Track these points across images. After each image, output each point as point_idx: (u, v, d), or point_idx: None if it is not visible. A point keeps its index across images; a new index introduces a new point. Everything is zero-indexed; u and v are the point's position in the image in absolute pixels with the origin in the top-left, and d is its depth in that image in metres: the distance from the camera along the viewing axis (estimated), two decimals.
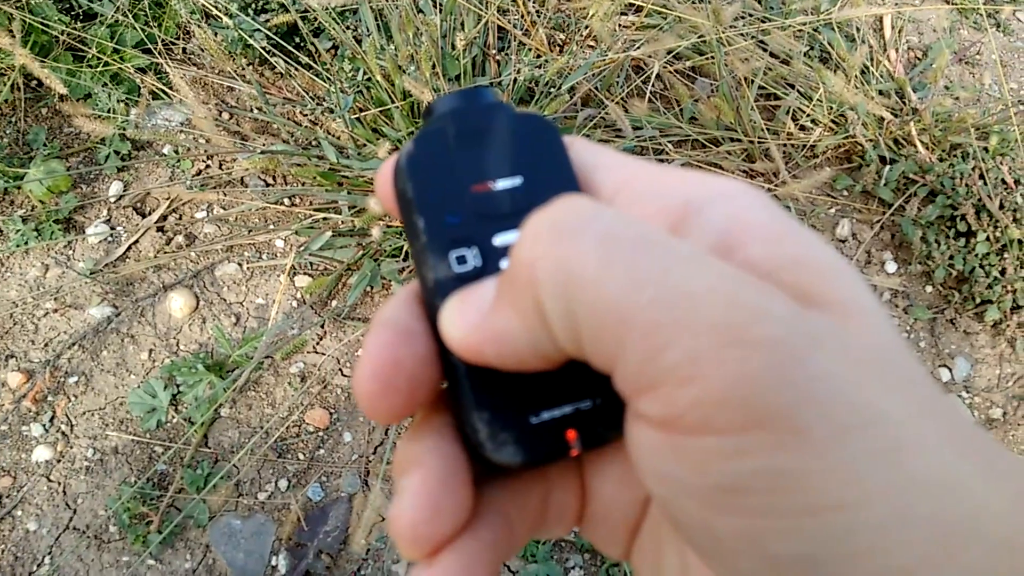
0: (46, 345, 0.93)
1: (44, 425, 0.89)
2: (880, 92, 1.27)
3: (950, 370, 1.08)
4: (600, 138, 1.10)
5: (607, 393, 0.17)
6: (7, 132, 1.05)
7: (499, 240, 0.19)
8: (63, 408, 0.90)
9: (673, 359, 0.14)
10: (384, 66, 1.02)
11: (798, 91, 1.24)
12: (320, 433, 0.92)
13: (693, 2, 1.20)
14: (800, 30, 1.33)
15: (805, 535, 0.14)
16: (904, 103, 1.26)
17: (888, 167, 1.19)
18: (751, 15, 1.27)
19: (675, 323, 0.14)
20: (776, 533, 0.14)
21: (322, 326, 0.99)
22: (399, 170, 0.19)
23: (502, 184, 0.19)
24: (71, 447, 0.88)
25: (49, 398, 0.90)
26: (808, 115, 1.22)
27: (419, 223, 0.19)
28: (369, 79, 1.06)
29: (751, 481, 0.14)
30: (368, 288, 1.01)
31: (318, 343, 0.98)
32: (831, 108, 1.21)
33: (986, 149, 1.16)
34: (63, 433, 0.89)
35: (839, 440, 0.14)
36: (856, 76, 1.26)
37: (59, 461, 0.87)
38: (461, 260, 0.18)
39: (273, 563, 0.84)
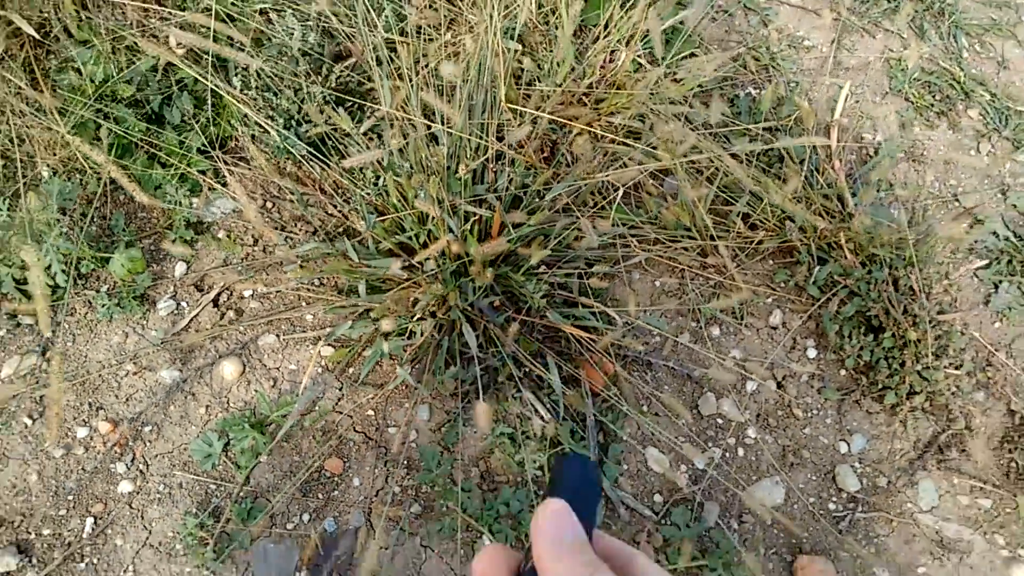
0: (127, 400, 1.21)
1: (127, 464, 1.16)
2: (824, 196, 1.49)
3: (848, 444, 1.32)
4: (573, 238, 1.33)
5: None
6: (95, 220, 1.31)
7: None
8: (141, 451, 1.17)
9: None
10: (400, 182, 1.26)
11: (750, 193, 1.46)
12: (335, 478, 1.19)
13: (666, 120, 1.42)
14: (756, 135, 1.55)
15: None
16: (842, 207, 1.47)
17: (818, 267, 1.41)
18: (715, 134, 1.49)
19: None
20: None
21: (340, 389, 1.26)
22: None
23: None
24: (147, 482, 1.16)
25: (130, 443, 1.18)
26: (756, 217, 1.44)
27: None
28: (386, 185, 1.30)
29: None
30: (378, 361, 1.27)
31: (336, 403, 1.24)
32: (775, 212, 1.43)
33: (902, 258, 1.38)
34: (140, 471, 1.16)
35: None
36: (803, 180, 1.48)
37: (138, 492, 1.15)
38: None
39: None
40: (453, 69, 1.02)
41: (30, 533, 1.10)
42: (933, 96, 1.76)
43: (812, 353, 1.39)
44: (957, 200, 1.62)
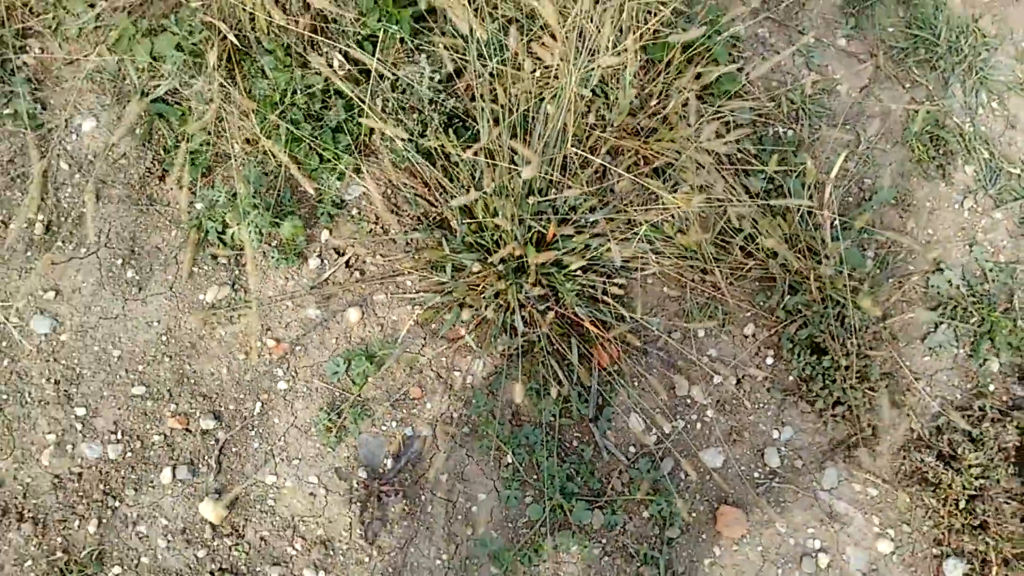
0: (286, 326, 1.79)
1: (283, 370, 1.77)
2: (811, 236, 1.89)
3: (779, 432, 1.82)
4: (605, 250, 1.80)
5: None
6: (272, 195, 1.85)
7: None
8: (293, 363, 1.77)
9: None
10: (485, 198, 1.74)
11: (751, 223, 1.87)
12: (415, 400, 1.77)
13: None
14: (772, 175, 1.94)
15: None
16: (823, 247, 1.88)
17: (789, 296, 1.85)
18: (736, 168, 1.88)
19: None
20: None
21: (424, 339, 1.81)
22: None
23: None
24: (296, 384, 1.76)
25: (287, 356, 1.77)
26: (751, 247, 1.87)
27: None
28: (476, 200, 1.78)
29: None
30: (453, 324, 1.81)
31: (420, 349, 1.80)
32: (766, 248, 1.86)
33: (855, 303, 1.80)
34: (292, 376, 1.76)
35: None
36: (798, 219, 1.89)
37: (290, 390, 1.76)
38: None
39: (386, 463, 1.72)
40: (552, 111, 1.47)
41: (220, 407, 1.72)
42: (937, 150, 2.08)
43: (770, 361, 1.86)
44: (927, 245, 2.00)
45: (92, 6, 1.92)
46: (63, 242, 1.76)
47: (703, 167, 1.83)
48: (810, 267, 1.84)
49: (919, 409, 1.85)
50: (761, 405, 1.83)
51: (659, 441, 1.78)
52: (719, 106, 1.97)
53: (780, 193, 1.93)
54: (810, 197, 1.89)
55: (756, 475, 1.79)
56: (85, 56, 1.90)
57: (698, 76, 1.94)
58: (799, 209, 1.88)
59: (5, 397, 1.64)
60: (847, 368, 1.77)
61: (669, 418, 1.80)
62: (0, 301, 1.68)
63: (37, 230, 1.76)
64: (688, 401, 1.82)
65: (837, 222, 1.90)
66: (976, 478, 1.76)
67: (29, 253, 1.74)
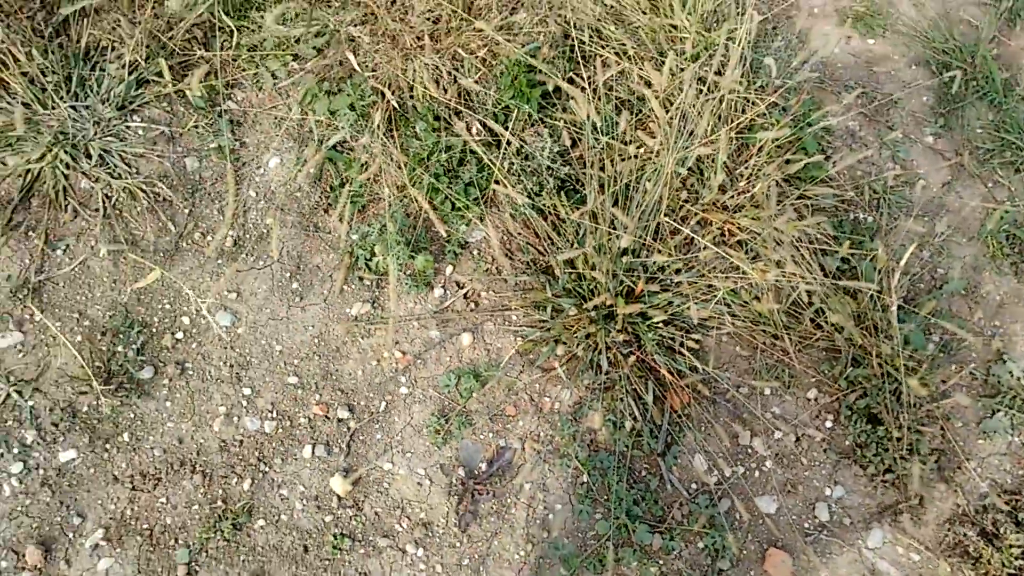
0: (412, 342, 2.16)
1: (406, 377, 2.12)
2: (879, 316, 2.10)
3: (831, 490, 2.02)
4: (686, 308, 2.07)
5: None
6: (412, 233, 2.23)
7: None
8: (414, 373, 2.13)
9: None
10: (586, 254, 2.06)
11: (822, 298, 2.10)
12: (510, 417, 2.09)
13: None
14: (846, 257, 2.15)
15: None
16: (888, 327, 2.07)
17: (852, 368, 2.05)
18: (813, 248, 2.12)
19: None
20: None
21: (523, 367, 2.13)
22: None
23: None
24: (415, 390, 2.11)
25: (410, 367, 2.13)
26: (821, 320, 2.09)
27: None
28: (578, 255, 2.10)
29: None
30: (548, 356, 2.12)
31: (518, 375, 2.12)
32: (834, 323, 2.07)
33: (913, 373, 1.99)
34: (412, 383, 2.12)
35: None
36: (865, 300, 2.10)
37: (409, 395, 2.11)
38: None
39: (481, 466, 2.04)
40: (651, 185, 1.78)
41: (354, 402, 2.10)
42: (1012, 248, 2.23)
43: (828, 424, 2.07)
44: (992, 337, 2.15)
45: (286, 67, 2.38)
46: (246, 255, 2.20)
47: (782, 244, 2.08)
48: (873, 344, 2.04)
49: (968, 487, 2.01)
50: (817, 463, 2.04)
51: (719, 482, 2.02)
52: (804, 190, 2.22)
53: (853, 274, 2.14)
54: (881, 281, 2.10)
55: (806, 525, 1.99)
56: (276, 107, 2.36)
57: (787, 162, 2.19)
58: (869, 291, 2.09)
59: (191, 372, 2.07)
60: (899, 440, 1.96)
61: (730, 463, 2.03)
62: (197, 296, 2.13)
63: (228, 243, 2.21)
64: (749, 450, 2.05)
65: (904, 306, 2.09)
66: (1016, 558, 1.90)
67: (220, 261, 2.19)
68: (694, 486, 2.02)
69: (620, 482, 1.99)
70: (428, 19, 2.22)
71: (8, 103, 2.21)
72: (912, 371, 1.99)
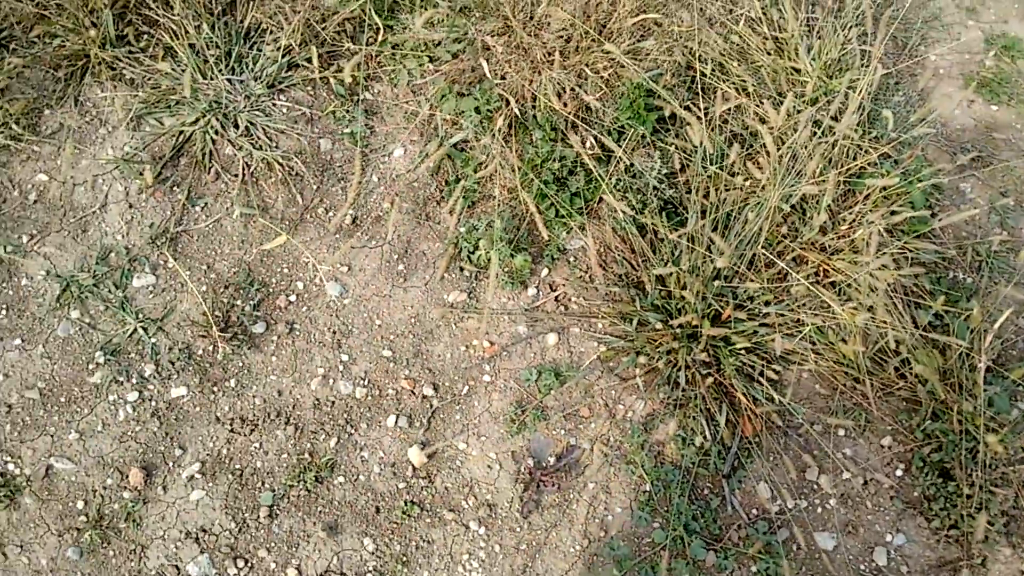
0: (500, 335, 2.28)
1: (490, 367, 2.25)
2: (966, 375, 2.09)
3: (893, 537, 2.02)
4: (769, 338, 2.12)
5: None
6: (515, 233, 2.36)
7: None
8: (498, 364, 2.25)
9: None
10: (678, 274, 2.14)
11: (909, 349, 2.11)
12: (584, 418, 2.17)
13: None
14: (941, 312, 2.16)
15: None
16: (972, 387, 2.06)
17: (930, 420, 2.05)
18: (907, 300, 2.13)
19: None
20: None
21: (601, 372, 2.22)
22: None
23: None
24: (496, 380, 2.23)
25: (495, 357, 2.25)
26: (904, 370, 2.10)
27: None
28: (671, 274, 2.18)
29: None
30: (629, 366, 2.20)
31: (597, 379, 2.21)
32: (918, 374, 2.08)
33: (986, 443, 1.97)
34: (495, 373, 2.24)
35: None
36: (954, 357, 2.09)
37: (491, 383, 2.23)
38: None
39: (550, 459, 2.13)
40: (752, 216, 1.85)
41: (439, 382, 2.23)
42: None
43: (899, 473, 2.07)
44: None
45: (422, 67, 2.57)
46: (362, 233, 2.38)
47: (876, 290, 2.11)
48: (956, 400, 2.04)
49: None
50: (882, 508, 2.05)
51: (781, 512, 2.05)
52: (905, 242, 2.23)
53: (944, 330, 2.14)
54: (972, 340, 2.10)
55: (862, 567, 2.00)
56: (408, 102, 2.55)
57: (892, 212, 2.22)
58: (959, 348, 2.09)
59: (298, 333, 2.25)
60: (969, 497, 1.95)
61: (794, 495, 2.06)
62: (316, 263, 2.32)
63: (347, 220, 2.40)
64: (815, 486, 2.08)
65: (993, 368, 2.08)
66: None
67: (337, 236, 2.38)
68: (754, 512, 2.06)
69: (682, 496, 2.05)
70: (560, 36, 2.36)
71: (173, 70, 2.47)
72: (992, 432, 1.97)
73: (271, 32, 2.55)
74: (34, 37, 2.55)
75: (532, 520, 2.05)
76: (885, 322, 2.06)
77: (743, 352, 2.12)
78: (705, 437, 2.08)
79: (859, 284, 2.09)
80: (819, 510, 2.05)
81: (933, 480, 2.00)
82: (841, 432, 2.12)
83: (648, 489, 2.07)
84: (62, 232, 2.32)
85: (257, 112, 2.46)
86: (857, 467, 2.08)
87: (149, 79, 2.50)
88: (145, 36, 2.55)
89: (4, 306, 2.22)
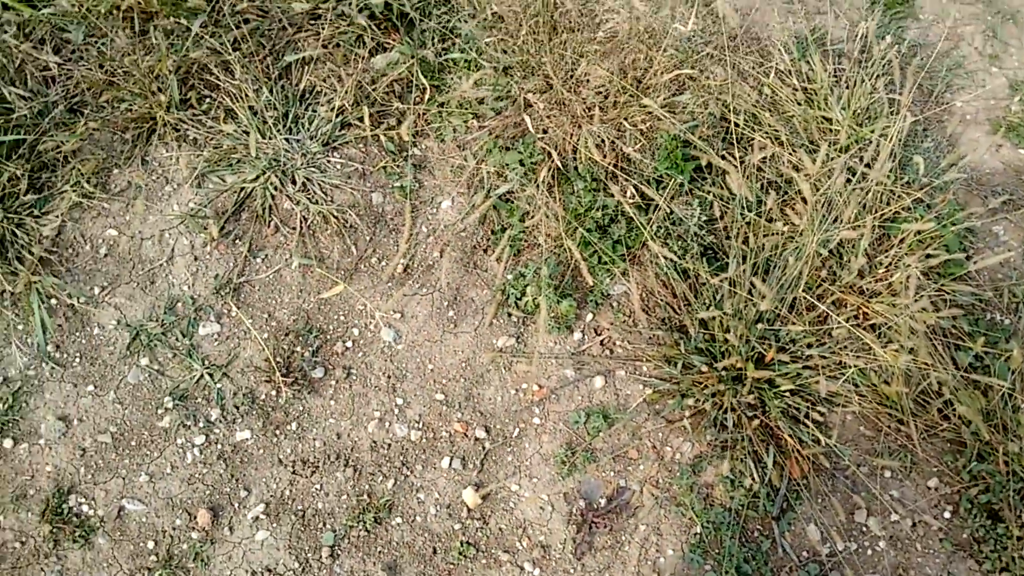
0: (548, 378, 2.35)
1: (539, 409, 2.31)
2: (1010, 416, 2.12)
3: None
4: (814, 380, 2.17)
5: None
6: (560, 279, 2.45)
7: None
8: (547, 407, 2.31)
9: None
10: (720, 317, 2.21)
11: (951, 391, 2.14)
12: (632, 460, 2.23)
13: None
14: (981, 354, 2.20)
15: None
16: (1017, 427, 2.09)
17: (976, 462, 2.08)
18: (946, 341, 2.18)
19: None
20: None
21: (648, 415, 2.28)
22: None
23: None
24: (546, 422, 2.30)
25: (544, 400, 2.32)
26: (948, 411, 2.14)
27: None
28: (713, 316, 2.25)
29: None
30: (675, 408, 2.26)
31: (643, 423, 2.27)
32: (962, 416, 2.11)
33: None
34: (544, 416, 2.31)
35: None
36: (996, 398, 2.13)
37: (541, 426, 2.30)
38: None
39: (601, 501, 2.19)
40: (792, 261, 1.93)
41: (491, 424, 2.30)
42: None
43: (947, 515, 2.10)
44: None
45: (467, 123, 2.70)
46: (413, 281, 2.49)
47: (915, 333, 2.16)
48: (1001, 441, 2.07)
49: None
50: (931, 551, 2.07)
51: (831, 554, 2.08)
52: (942, 285, 2.29)
53: (985, 371, 2.18)
54: (1014, 381, 2.13)
55: None
56: (454, 157, 2.68)
57: (928, 256, 2.28)
58: (1001, 389, 2.13)
59: (355, 377, 2.35)
60: (1020, 539, 1.97)
61: (843, 537, 2.09)
62: (371, 310, 2.43)
63: (399, 269, 2.51)
64: (863, 528, 2.11)
65: None
66: None
67: (390, 284, 2.49)
68: (805, 554, 2.09)
69: (732, 538, 2.09)
70: (599, 93, 2.48)
71: (235, 131, 2.63)
72: None
73: (325, 94, 2.70)
74: (104, 102, 2.73)
75: (585, 562, 2.09)
76: (927, 364, 2.11)
77: (788, 394, 2.17)
78: (753, 479, 2.12)
79: (899, 326, 2.15)
80: (869, 552, 2.08)
81: (982, 522, 2.03)
82: (888, 474, 2.15)
83: (699, 532, 2.11)
84: (132, 284, 2.45)
85: (313, 169, 2.60)
86: (905, 509, 2.11)
87: (212, 139, 2.65)
88: (207, 99, 2.71)
89: (78, 354, 2.34)
